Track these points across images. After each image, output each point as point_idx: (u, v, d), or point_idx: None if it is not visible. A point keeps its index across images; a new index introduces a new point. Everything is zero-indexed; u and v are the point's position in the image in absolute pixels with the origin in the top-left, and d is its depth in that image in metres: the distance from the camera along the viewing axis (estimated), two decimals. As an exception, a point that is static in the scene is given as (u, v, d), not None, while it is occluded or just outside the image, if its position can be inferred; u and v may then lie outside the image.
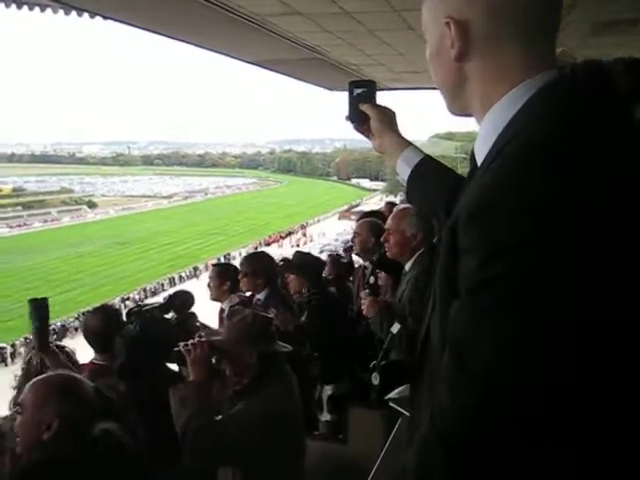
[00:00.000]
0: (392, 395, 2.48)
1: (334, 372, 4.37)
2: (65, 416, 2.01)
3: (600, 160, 0.83)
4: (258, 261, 4.67)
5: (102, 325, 3.36)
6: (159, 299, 4.61)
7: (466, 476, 0.85)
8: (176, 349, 2.76)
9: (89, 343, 3.45)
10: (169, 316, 3.50)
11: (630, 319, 0.80)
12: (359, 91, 1.69)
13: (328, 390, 4.36)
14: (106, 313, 3.50)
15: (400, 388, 2.43)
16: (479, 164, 1.04)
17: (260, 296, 4.50)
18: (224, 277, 4.66)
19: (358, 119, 1.68)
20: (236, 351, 2.85)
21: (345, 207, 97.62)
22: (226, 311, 4.29)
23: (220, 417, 2.74)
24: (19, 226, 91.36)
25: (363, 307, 3.72)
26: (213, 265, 4.92)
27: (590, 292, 0.77)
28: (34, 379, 2.20)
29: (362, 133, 1.71)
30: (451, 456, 0.85)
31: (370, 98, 1.69)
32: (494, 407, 0.81)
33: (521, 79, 0.98)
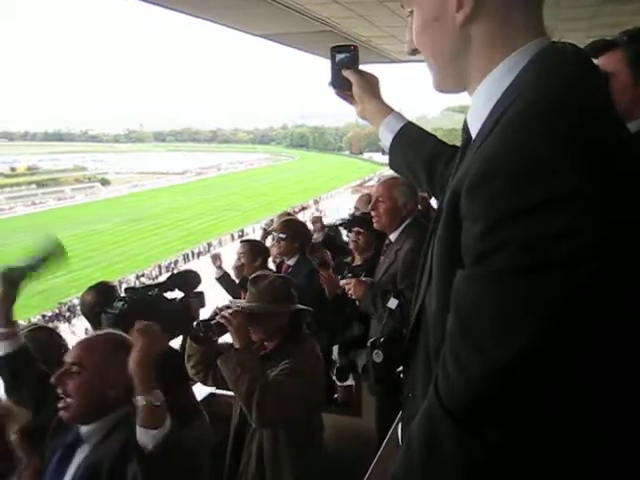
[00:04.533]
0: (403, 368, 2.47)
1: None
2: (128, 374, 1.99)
3: (602, 121, 0.82)
4: (295, 225, 4.83)
5: (95, 301, 3.40)
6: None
7: (476, 447, 0.84)
8: (213, 321, 2.82)
9: (86, 318, 3.51)
10: (173, 295, 3.50)
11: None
12: (342, 56, 1.68)
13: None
14: (101, 290, 3.55)
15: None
16: (474, 135, 1.02)
17: (290, 262, 4.68)
18: (256, 253, 4.75)
19: (341, 85, 1.67)
20: (269, 314, 2.93)
21: (358, 181, 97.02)
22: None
23: (273, 375, 2.80)
24: (33, 204, 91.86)
25: (349, 290, 3.71)
26: (243, 241, 4.96)
27: (601, 255, 0.75)
28: (87, 338, 2.22)
29: (345, 99, 1.71)
30: (459, 426, 0.84)
31: (353, 63, 1.68)
32: (501, 377, 0.80)
33: (520, 46, 0.95)
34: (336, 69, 1.67)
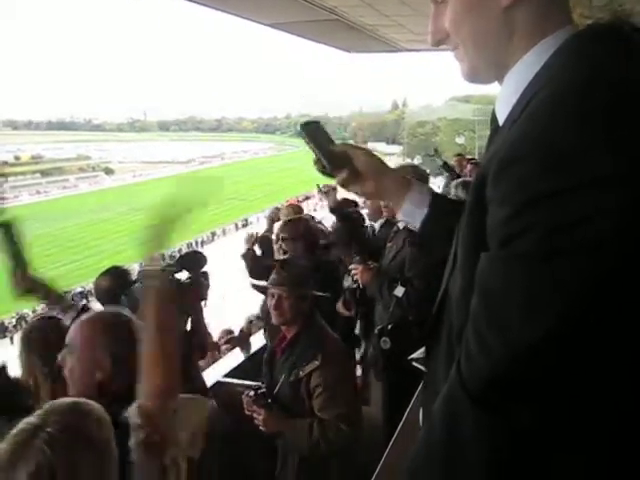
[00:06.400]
0: (415, 355, 2.48)
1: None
2: (116, 355, 1.93)
3: (632, 107, 0.79)
4: (298, 227, 4.80)
5: (111, 285, 3.43)
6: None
7: (497, 428, 0.83)
8: None
9: (100, 302, 3.54)
10: (181, 276, 3.53)
11: None
12: (318, 130, 1.45)
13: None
14: (115, 274, 3.57)
15: (423, 348, 2.43)
16: (501, 123, 1.00)
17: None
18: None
19: (335, 164, 1.40)
20: (295, 297, 3.05)
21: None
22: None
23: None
24: (38, 193, 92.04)
25: (356, 276, 3.73)
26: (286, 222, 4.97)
27: (630, 239, 0.74)
28: (81, 318, 2.13)
29: (343, 183, 1.43)
30: (479, 406, 0.84)
31: (329, 139, 1.45)
32: (525, 358, 0.79)
33: (551, 32, 0.94)
34: (322, 145, 1.41)
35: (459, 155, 10.72)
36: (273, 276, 3.10)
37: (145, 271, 1.80)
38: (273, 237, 5.19)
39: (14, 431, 1.38)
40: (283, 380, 2.98)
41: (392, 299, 3.52)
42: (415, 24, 8.66)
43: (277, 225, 5.29)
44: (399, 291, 3.49)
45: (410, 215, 1.44)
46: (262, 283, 3.16)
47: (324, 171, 1.42)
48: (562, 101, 0.81)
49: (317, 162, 1.42)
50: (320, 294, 3.21)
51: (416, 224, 1.44)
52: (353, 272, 3.79)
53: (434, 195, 1.44)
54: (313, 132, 1.43)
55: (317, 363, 2.88)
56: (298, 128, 1.45)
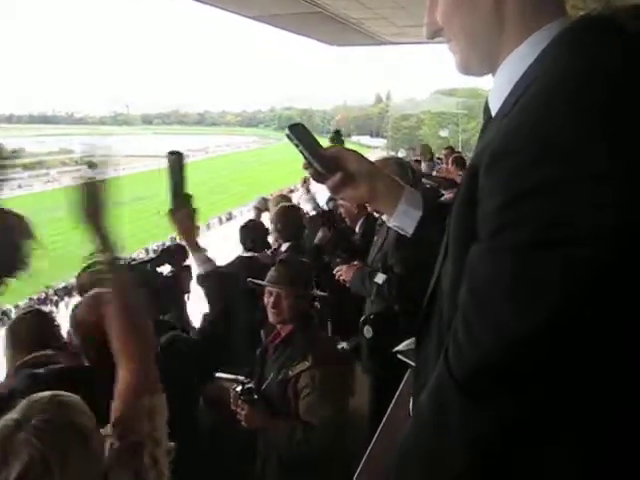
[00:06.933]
0: (400, 347, 2.49)
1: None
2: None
3: (628, 99, 0.78)
4: (289, 213, 4.87)
5: (90, 280, 3.41)
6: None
7: (484, 418, 0.84)
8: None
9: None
10: (164, 269, 3.52)
11: None
12: (305, 133, 1.37)
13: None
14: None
15: (408, 341, 2.44)
16: (494, 114, 1.00)
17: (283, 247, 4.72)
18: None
19: (327, 167, 1.34)
20: (294, 297, 3.01)
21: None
22: None
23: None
24: (20, 187, 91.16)
25: (340, 275, 3.74)
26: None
27: (624, 233, 0.74)
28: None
29: (335, 188, 1.38)
30: (466, 395, 0.84)
31: (315, 141, 1.37)
32: (512, 348, 0.79)
33: (547, 22, 0.94)
34: (311, 147, 1.35)
35: (448, 148, 10.75)
36: (272, 274, 3.07)
37: (103, 265, 1.84)
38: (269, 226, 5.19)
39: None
40: (272, 378, 2.94)
41: (373, 287, 3.53)
42: (399, 17, 8.66)
43: (266, 215, 5.32)
44: (379, 278, 3.49)
45: (405, 215, 1.40)
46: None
47: (315, 175, 1.37)
48: (557, 92, 0.80)
49: (308, 166, 1.37)
50: (320, 294, 3.19)
51: (408, 226, 1.42)
52: (338, 274, 3.79)
53: (425, 197, 1.42)
54: (301, 135, 1.36)
55: (307, 364, 2.83)
56: (287, 131, 1.35)
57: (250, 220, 5.23)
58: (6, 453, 1.32)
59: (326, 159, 1.36)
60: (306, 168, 1.37)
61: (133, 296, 1.82)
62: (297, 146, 1.34)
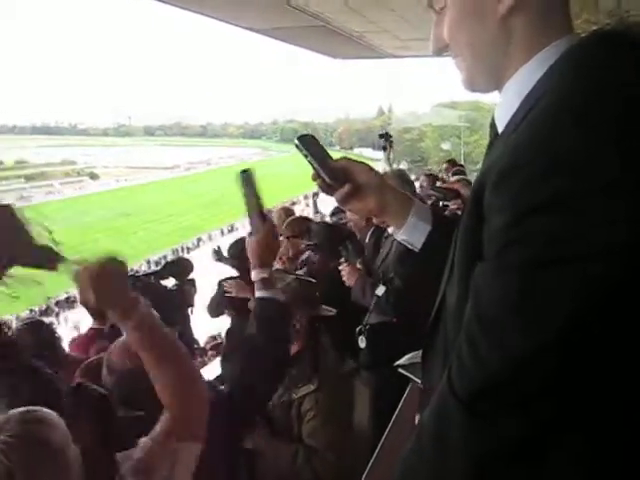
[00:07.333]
0: (401, 361, 2.48)
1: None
2: None
3: (638, 115, 0.78)
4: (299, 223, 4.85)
5: None
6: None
7: (487, 436, 0.83)
8: None
9: (86, 309, 3.52)
10: (167, 283, 3.52)
11: None
12: (314, 143, 1.38)
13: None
14: None
15: (409, 355, 2.43)
16: (500, 130, 0.99)
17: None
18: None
19: (336, 178, 1.34)
20: (305, 317, 2.96)
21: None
22: None
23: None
24: (22, 198, 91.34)
25: (343, 275, 3.73)
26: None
27: (635, 249, 0.73)
28: None
29: (343, 199, 1.36)
30: (469, 413, 0.83)
31: (326, 153, 1.38)
32: (518, 367, 0.78)
33: (554, 41, 0.93)
34: (322, 162, 1.35)
35: (450, 161, 10.76)
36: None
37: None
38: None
39: None
40: (275, 399, 2.91)
41: (373, 298, 3.54)
42: (401, 31, 8.70)
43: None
44: (380, 290, 3.51)
45: (414, 229, 1.38)
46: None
47: (324, 186, 1.36)
48: (568, 107, 0.80)
49: (316, 177, 1.36)
50: (329, 313, 3.14)
51: (416, 240, 1.39)
52: (342, 272, 3.79)
53: (435, 211, 1.41)
54: (310, 145, 1.37)
55: (312, 387, 2.79)
56: (296, 141, 1.37)
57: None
58: None
59: (335, 170, 1.35)
60: (314, 179, 1.37)
61: (160, 325, 1.77)
62: (306, 156, 1.35)
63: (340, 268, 3.82)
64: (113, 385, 2.12)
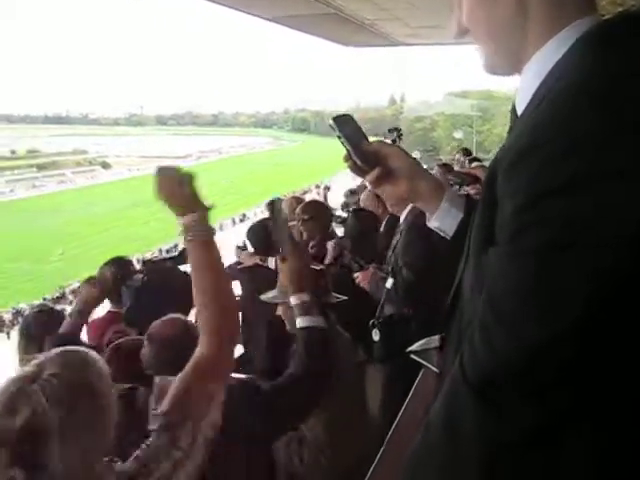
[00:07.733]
0: (414, 347, 2.47)
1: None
2: None
3: None
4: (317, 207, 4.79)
5: (113, 275, 3.43)
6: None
7: (498, 424, 0.83)
8: None
9: (106, 295, 3.55)
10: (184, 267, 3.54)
11: None
12: (351, 124, 1.36)
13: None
14: (118, 264, 3.58)
15: (422, 341, 2.42)
16: (520, 114, 0.98)
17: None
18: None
19: (367, 161, 1.32)
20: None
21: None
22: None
23: None
24: (34, 187, 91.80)
25: (360, 282, 3.77)
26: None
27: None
28: None
29: (374, 182, 1.35)
30: (481, 401, 0.83)
31: (362, 134, 1.36)
32: (531, 354, 0.78)
33: (576, 19, 0.92)
34: (354, 140, 1.33)
35: (463, 150, 10.71)
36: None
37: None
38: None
39: (9, 380, 1.36)
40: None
41: (384, 290, 3.56)
42: (413, 18, 8.65)
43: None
44: (388, 283, 3.53)
45: (448, 215, 1.35)
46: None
47: (355, 168, 1.35)
48: (587, 89, 0.79)
49: (348, 158, 1.34)
50: (339, 298, 3.14)
51: (448, 227, 1.36)
52: (358, 280, 3.84)
53: (468, 198, 1.37)
54: (345, 126, 1.35)
55: None
56: (330, 121, 1.34)
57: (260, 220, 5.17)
58: (12, 404, 1.31)
59: (367, 153, 1.33)
60: (346, 160, 1.35)
61: (222, 264, 1.81)
62: (339, 137, 1.33)
63: (356, 275, 3.86)
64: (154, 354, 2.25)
